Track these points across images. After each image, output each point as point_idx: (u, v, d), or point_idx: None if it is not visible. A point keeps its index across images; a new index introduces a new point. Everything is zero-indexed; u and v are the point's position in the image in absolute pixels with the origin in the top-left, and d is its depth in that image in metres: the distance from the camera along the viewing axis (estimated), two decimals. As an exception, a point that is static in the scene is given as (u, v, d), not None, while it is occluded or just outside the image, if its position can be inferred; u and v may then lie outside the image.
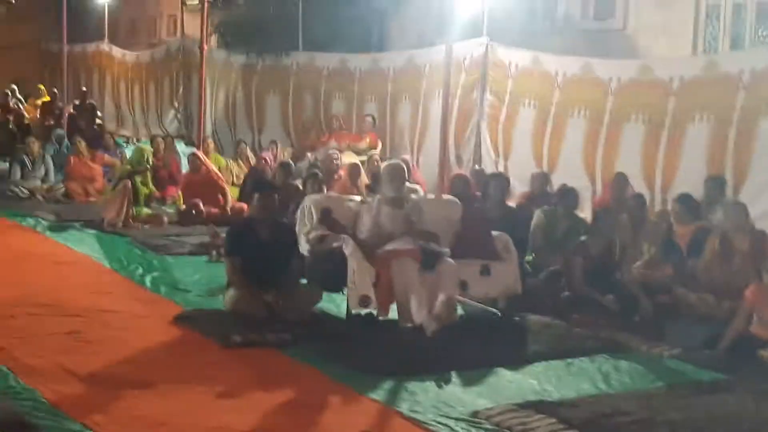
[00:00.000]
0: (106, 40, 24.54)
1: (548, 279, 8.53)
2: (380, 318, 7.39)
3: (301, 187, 11.40)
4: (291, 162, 12.46)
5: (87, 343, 6.71)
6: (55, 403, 5.43)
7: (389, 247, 7.47)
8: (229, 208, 12.40)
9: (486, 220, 8.50)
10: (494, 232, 8.14)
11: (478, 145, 13.59)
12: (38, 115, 20.68)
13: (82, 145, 14.52)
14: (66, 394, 5.62)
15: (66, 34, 18.73)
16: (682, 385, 6.33)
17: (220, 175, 13.17)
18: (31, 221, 11.97)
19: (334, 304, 8.01)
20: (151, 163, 12.58)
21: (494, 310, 8.03)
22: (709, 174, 9.96)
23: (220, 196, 12.59)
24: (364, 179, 12.43)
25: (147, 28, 27.29)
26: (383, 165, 8.73)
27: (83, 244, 10.65)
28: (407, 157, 12.92)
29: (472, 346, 6.96)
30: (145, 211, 12.32)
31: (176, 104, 21.44)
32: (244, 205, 11.65)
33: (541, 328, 7.58)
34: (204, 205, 12.24)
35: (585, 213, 10.60)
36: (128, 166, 12.54)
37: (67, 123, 18.06)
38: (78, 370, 6.05)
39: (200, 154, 13.45)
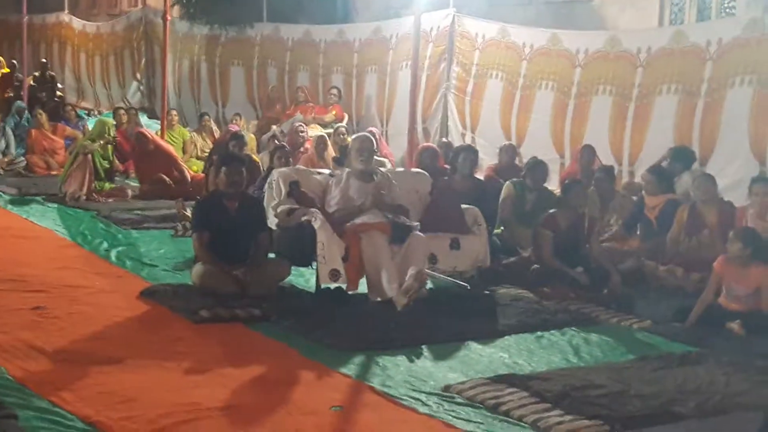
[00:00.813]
0: (66, 10, 24.17)
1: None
2: (350, 292, 7.34)
3: (265, 160, 11.34)
4: (243, 133, 12.29)
5: (53, 319, 6.59)
6: (21, 380, 5.32)
7: (358, 220, 7.42)
8: (188, 179, 12.27)
9: (455, 193, 8.47)
10: (464, 206, 8.10)
11: (445, 117, 13.54)
12: (-3, 87, 20.32)
13: (43, 117, 14.31)
14: (33, 371, 5.51)
15: (26, 4, 18.40)
16: (653, 357, 6.31)
17: (171, 149, 12.96)
18: (-8, 195, 11.80)
19: (303, 278, 7.95)
20: (113, 135, 12.36)
21: (464, 283, 7.99)
22: (675, 144, 9.98)
23: (175, 171, 12.42)
24: (331, 152, 12.35)
25: (108, -1, 26.91)
26: (351, 138, 8.63)
27: (46, 219, 10.50)
28: (375, 129, 12.83)
29: (442, 319, 6.93)
30: (108, 184, 12.15)
31: (138, 76, 21.17)
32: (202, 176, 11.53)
33: (510, 301, 7.56)
34: (159, 181, 12.10)
35: (553, 185, 10.60)
36: (88, 140, 12.32)
37: (27, 95, 17.76)
38: (44, 346, 5.94)
39: (146, 131, 13.23)
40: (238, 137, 11.39)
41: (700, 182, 8.45)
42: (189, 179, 12.31)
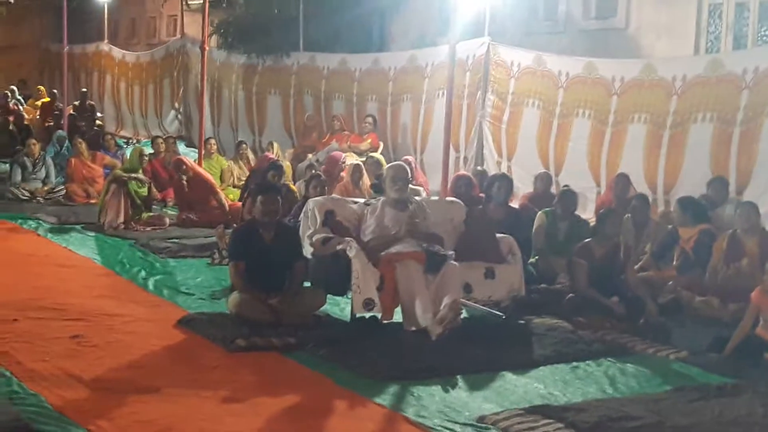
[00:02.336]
0: (106, 40, 24.54)
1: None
2: (384, 321, 7.35)
3: (301, 189, 11.40)
4: (280, 163, 12.37)
5: (91, 347, 6.67)
6: (59, 409, 5.39)
7: (393, 249, 7.45)
8: (226, 207, 12.37)
9: (490, 222, 8.49)
10: (499, 235, 8.10)
11: (480, 145, 13.57)
12: (38, 116, 20.63)
13: (83, 146, 14.48)
14: (70, 399, 5.58)
15: (66, 35, 18.69)
16: (690, 388, 6.27)
17: (209, 177, 13.07)
18: (32, 224, 11.94)
19: (338, 307, 7.98)
20: (143, 164, 12.51)
21: (498, 313, 7.99)
22: (713, 175, 9.94)
23: (213, 199, 12.53)
24: (366, 180, 12.40)
25: (147, 29, 27.25)
26: (386, 166, 8.68)
27: (85, 247, 10.62)
28: (410, 158, 12.88)
29: (477, 349, 6.92)
30: (146, 213, 12.28)
31: (176, 105, 21.41)
32: (240, 204, 11.62)
33: (546, 331, 7.54)
34: (198, 210, 12.21)
35: (589, 214, 10.59)
36: (121, 170, 12.47)
37: (67, 124, 18.01)
38: (82, 374, 6.02)
39: (184, 158, 13.36)
40: (277, 167, 11.46)
41: (743, 210, 8.41)
42: (227, 207, 12.40)
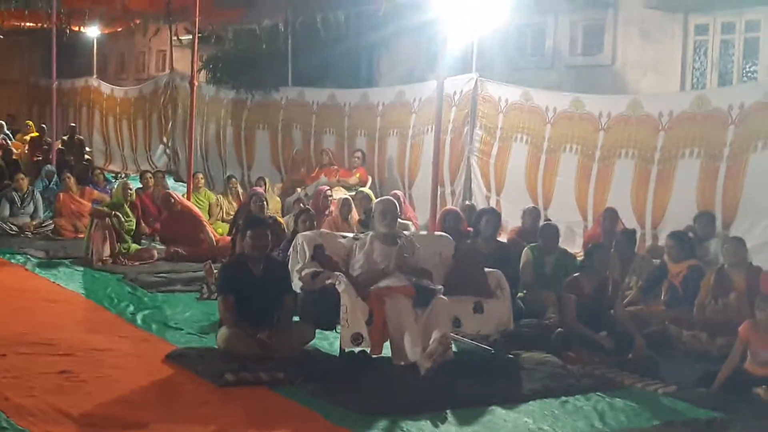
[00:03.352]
0: (94, 75, 24.59)
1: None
2: (373, 356, 7.35)
3: (290, 223, 11.42)
4: (265, 195, 12.42)
5: (79, 382, 6.64)
6: (47, 445, 5.38)
7: (382, 284, 7.45)
8: (214, 242, 12.38)
9: (478, 256, 8.50)
10: (487, 269, 8.12)
11: (468, 180, 13.63)
12: (27, 151, 20.61)
13: (71, 180, 14.49)
14: (58, 435, 5.56)
15: (55, 70, 18.72)
16: (679, 423, 6.28)
17: (197, 211, 13.09)
18: (20, 258, 11.90)
19: (327, 341, 7.97)
20: (130, 199, 12.54)
21: (488, 347, 7.99)
22: (699, 210, 10.00)
23: (201, 234, 12.53)
24: (355, 215, 12.43)
25: (136, 64, 27.33)
26: (375, 201, 8.71)
27: (73, 282, 10.60)
28: (399, 192, 12.93)
29: (466, 384, 6.92)
30: (134, 246, 12.27)
31: (165, 140, 21.44)
32: (228, 238, 11.64)
33: (535, 366, 7.54)
34: (186, 244, 12.22)
35: (577, 248, 10.64)
36: (100, 206, 12.49)
37: (55, 159, 18.00)
38: (71, 410, 5.98)
39: (172, 193, 13.39)
40: (256, 195, 11.59)
41: (730, 246, 8.46)
42: (215, 241, 12.41)
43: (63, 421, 5.81)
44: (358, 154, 15.15)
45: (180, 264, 11.72)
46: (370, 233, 7.97)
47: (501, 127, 13.12)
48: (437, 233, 8.86)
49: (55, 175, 15.70)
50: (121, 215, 12.14)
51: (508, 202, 12.76)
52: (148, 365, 7.21)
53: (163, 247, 12.62)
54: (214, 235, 12.71)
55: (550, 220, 10.08)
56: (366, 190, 13.70)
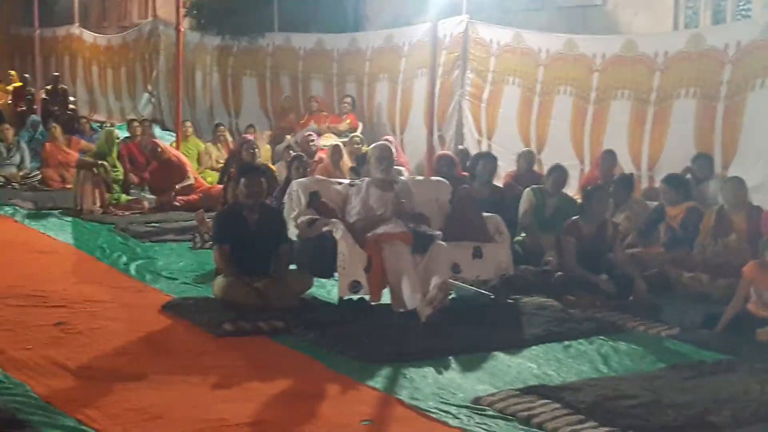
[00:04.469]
0: (76, 23, 24.17)
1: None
2: (372, 303, 7.26)
3: (281, 171, 11.30)
4: (254, 142, 12.27)
5: (75, 334, 6.53)
6: (46, 398, 5.25)
7: (380, 230, 7.35)
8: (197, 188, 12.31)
9: (476, 200, 8.38)
10: (485, 214, 8.02)
11: (460, 124, 13.47)
12: (10, 101, 20.32)
13: (57, 130, 14.30)
14: (57, 388, 5.44)
15: (37, 18, 18.39)
16: (684, 366, 6.21)
17: (184, 160, 12.91)
18: (8, 210, 11.75)
19: (325, 289, 7.88)
20: (116, 147, 12.38)
21: (487, 292, 7.91)
22: (697, 151, 9.89)
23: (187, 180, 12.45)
24: (346, 161, 12.30)
25: (118, 11, 26.82)
26: (370, 146, 8.56)
27: (64, 233, 10.46)
28: (391, 137, 12.76)
29: (467, 330, 6.85)
30: (125, 197, 12.12)
31: (150, 88, 21.14)
32: (220, 186, 11.51)
33: (535, 310, 7.47)
34: (174, 191, 12.10)
35: (572, 191, 10.52)
36: (87, 156, 12.32)
37: (40, 109, 17.75)
38: (68, 362, 5.88)
39: (161, 142, 13.24)
40: (247, 142, 11.48)
41: (730, 186, 8.37)
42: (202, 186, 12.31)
43: (60, 374, 5.70)
44: (348, 99, 14.95)
45: (171, 213, 11.58)
46: (366, 179, 7.85)
47: (492, 70, 12.92)
48: (434, 178, 8.73)
49: (41, 125, 15.48)
50: (107, 164, 11.95)
51: (500, 146, 12.59)
52: (144, 316, 7.12)
53: (152, 196, 12.46)
54: (202, 184, 12.57)
55: (558, 163, 9.83)
56: (357, 135, 13.56)
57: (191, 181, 12.40)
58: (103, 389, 5.47)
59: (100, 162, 11.88)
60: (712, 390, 5.64)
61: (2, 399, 5.20)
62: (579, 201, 9.27)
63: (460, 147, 12.57)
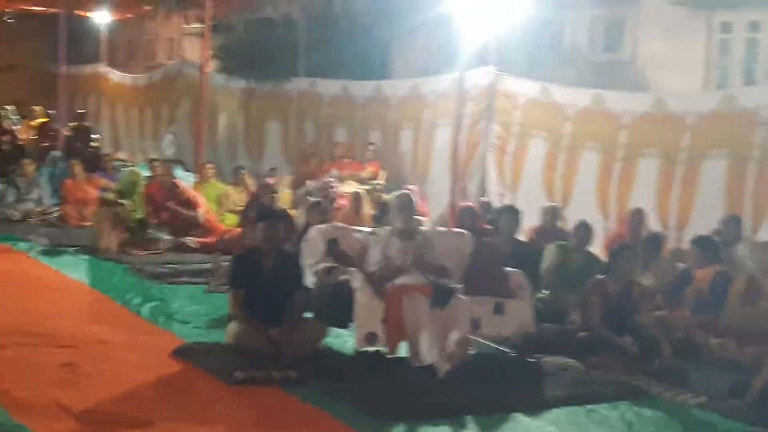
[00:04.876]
0: (103, 62, 24.26)
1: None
2: (389, 356, 7.04)
3: (301, 216, 11.15)
4: (274, 186, 12.16)
5: (82, 376, 6.35)
6: (47, 443, 5.08)
7: (399, 281, 7.16)
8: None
9: (498, 254, 8.18)
10: (508, 269, 7.81)
11: (483, 176, 13.29)
12: (34, 137, 20.30)
13: (78, 167, 14.19)
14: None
15: (64, 56, 18.41)
16: (712, 437, 5.98)
17: (199, 199, 12.81)
18: (24, 245, 11.61)
19: (341, 339, 7.66)
20: (138, 188, 12.27)
21: (507, 350, 7.68)
22: (727, 213, 9.67)
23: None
24: (367, 209, 12.14)
25: (145, 51, 27.00)
26: (392, 195, 8.40)
27: (78, 271, 10.31)
28: (413, 187, 12.60)
29: (486, 388, 6.61)
30: (141, 236, 11.96)
31: (173, 128, 21.10)
32: (239, 230, 11.36)
33: (557, 371, 7.22)
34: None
35: (595, 249, 10.29)
36: (109, 193, 12.21)
37: (63, 145, 17.69)
38: (72, 405, 5.69)
39: (179, 182, 13.22)
40: (267, 186, 11.41)
41: (761, 251, 8.13)
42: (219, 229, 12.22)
43: (64, 418, 5.52)
44: (372, 147, 14.84)
45: (188, 255, 11.43)
46: (387, 228, 7.67)
47: (519, 123, 12.77)
48: (456, 230, 8.54)
49: (61, 161, 15.39)
50: (127, 204, 11.82)
51: (524, 200, 12.40)
52: (155, 360, 6.92)
53: (170, 237, 12.32)
54: (219, 226, 12.47)
55: (584, 220, 9.62)
56: (379, 183, 13.42)
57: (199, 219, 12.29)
58: (107, 435, 5.28)
59: (120, 201, 11.76)
60: (741, 463, 5.39)
61: (1, 442, 5.02)
62: (604, 259, 9.07)
63: (483, 199, 12.38)
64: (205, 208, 12.77)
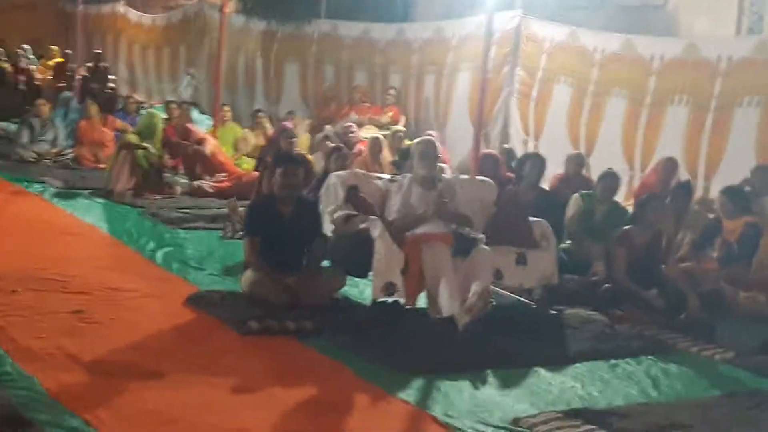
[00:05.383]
0: (122, 1, 23.94)
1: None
2: (407, 307, 6.85)
3: (318, 161, 10.94)
4: (292, 130, 11.89)
5: (92, 324, 6.17)
6: (54, 394, 4.89)
7: (420, 230, 6.94)
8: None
9: (522, 204, 7.94)
10: (531, 218, 7.57)
11: (506, 123, 13.01)
12: (50, 77, 20.09)
13: (94, 108, 13.96)
14: (67, 383, 5.08)
15: (81, -6, 18.17)
16: (742, 394, 5.76)
17: (210, 150, 12.58)
18: (38, 187, 11.43)
19: (357, 289, 7.47)
20: (160, 130, 12.02)
21: (529, 301, 7.48)
22: (757, 162, 9.37)
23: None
24: (387, 155, 11.89)
25: (164, -9, 26.63)
26: (414, 141, 8.15)
27: (91, 214, 10.12)
28: (434, 133, 12.33)
29: (507, 342, 6.42)
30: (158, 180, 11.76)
31: (191, 70, 20.84)
32: (256, 174, 11.15)
33: (580, 324, 7.02)
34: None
35: (620, 198, 10.04)
36: (131, 135, 11.97)
37: (79, 86, 17.47)
38: (81, 355, 5.52)
39: (192, 127, 13.01)
40: (286, 129, 11.17)
41: (795, 201, 7.88)
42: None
43: (73, 368, 5.34)
44: (392, 91, 14.55)
45: (203, 199, 11.25)
46: (408, 175, 7.43)
47: (544, 68, 12.44)
48: (479, 178, 8.28)
49: (73, 101, 15.15)
50: (150, 147, 11.60)
51: (547, 147, 12.11)
52: (167, 308, 6.74)
53: (186, 180, 12.14)
54: (236, 170, 12.27)
55: (610, 168, 9.33)
56: (399, 128, 13.15)
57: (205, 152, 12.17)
58: (117, 387, 5.11)
59: (144, 144, 11.53)
60: (773, 424, 5.20)
61: (7, 393, 4.85)
62: (629, 209, 8.82)
63: (506, 146, 12.10)
64: (213, 144, 12.52)
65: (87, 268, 7.65)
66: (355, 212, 7.15)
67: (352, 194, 7.31)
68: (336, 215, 7.18)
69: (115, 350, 5.73)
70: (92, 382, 5.18)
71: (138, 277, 7.58)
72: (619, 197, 9.68)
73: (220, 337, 6.17)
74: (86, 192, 11.26)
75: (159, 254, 8.41)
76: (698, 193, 10.03)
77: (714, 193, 9.68)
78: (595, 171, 10.20)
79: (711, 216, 8.74)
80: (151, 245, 8.74)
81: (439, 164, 9.13)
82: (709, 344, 6.75)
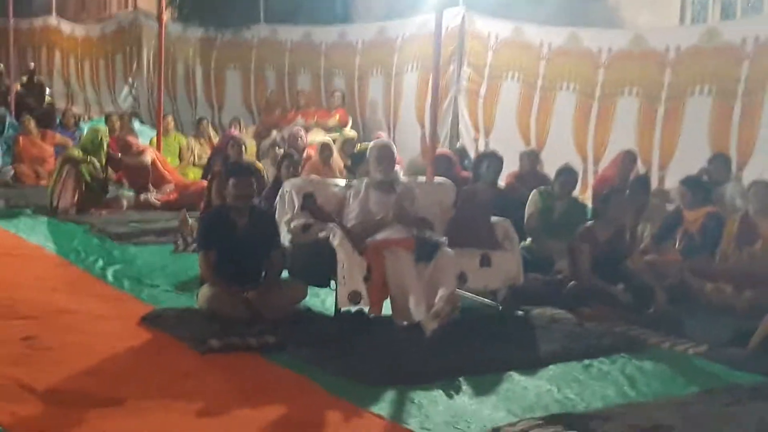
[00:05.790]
0: (53, 13, 23.42)
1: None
2: (372, 316, 6.64)
3: (267, 168, 10.71)
4: (238, 136, 11.62)
5: (44, 350, 5.87)
6: (8, 427, 4.62)
7: (380, 236, 6.74)
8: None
9: (482, 204, 7.77)
10: (494, 218, 7.41)
11: (455, 121, 12.86)
12: (-17, 94, 19.53)
13: (31, 123, 13.59)
14: (21, 415, 4.80)
15: (11, 8, 17.65)
16: (720, 390, 5.63)
17: (150, 161, 12.24)
18: (-23, 208, 11.05)
19: (319, 299, 7.25)
20: (105, 145, 11.63)
21: (494, 303, 7.32)
22: (712, 151, 9.32)
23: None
24: (337, 159, 11.67)
25: (97, 2, 26.12)
26: (369, 145, 7.94)
27: (36, 233, 9.78)
28: (382, 134, 12.15)
29: (476, 347, 6.25)
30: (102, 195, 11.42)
31: (130, 80, 20.43)
32: (203, 183, 10.86)
33: (548, 324, 6.89)
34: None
35: (575, 192, 9.94)
36: (73, 150, 11.58)
37: (14, 101, 16.99)
38: (35, 384, 5.23)
39: (132, 139, 12.59)
40: (233, 138, 10.92)
41: (755, 190, 7.80)
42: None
43: (26, 398, 5.06)
44: (338, 94, 14.33)
45: (150, 213, 10.93)
46: (365, 180, 7.23)
47: (490, 65, 12.32)
48: (437, 179, 8.11)
49: (8, 117, 14.69)
50: (95, 161, 11.23)
51: (497, 144, 11.99)
52: (122, 329, 6.45)
53: (131, 194, 11.80)
54: (181, 180, 11.96)
55: (567, 163, 9.23)
56: (349, 131, 12.95)
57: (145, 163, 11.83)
58: (74, 417, 4.83)
59: (87, 159, 11.15)
60: (755, 418, 5.07)
61: (-43, 429, 4.57)
62: (587, 204, 8.71)
63: (458, 145, 11.96)
64: (153, 154, 12.18)
65: (35, 290, 7.34)
66: (312, 220, 6.94)
67: (309, 202, 7.10)
68: (293, 224, 6.97)
69: (70, 377, 5.45)
70: (48, 413, 4.90)
71: (89, 297, 7.29)
72: (575, 192, 9.59)
73: (179, 358, 5.91)
74: (29, 210, 10.90)
75: (109, 272, 8.11)
76: (654, 185, 9.95)
77: (669, 183, 9.66)
78: (547, 166, 10.08)
79: (669, 207, 8.67)
80: (100, 263, 8.44)
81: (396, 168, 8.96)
82: (681, 338, 6.63)
